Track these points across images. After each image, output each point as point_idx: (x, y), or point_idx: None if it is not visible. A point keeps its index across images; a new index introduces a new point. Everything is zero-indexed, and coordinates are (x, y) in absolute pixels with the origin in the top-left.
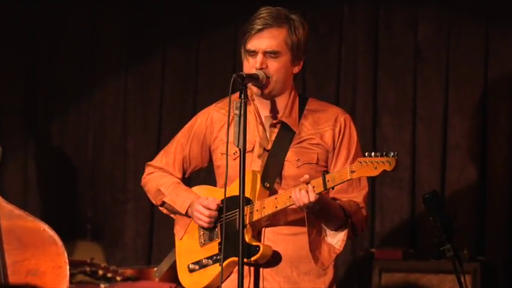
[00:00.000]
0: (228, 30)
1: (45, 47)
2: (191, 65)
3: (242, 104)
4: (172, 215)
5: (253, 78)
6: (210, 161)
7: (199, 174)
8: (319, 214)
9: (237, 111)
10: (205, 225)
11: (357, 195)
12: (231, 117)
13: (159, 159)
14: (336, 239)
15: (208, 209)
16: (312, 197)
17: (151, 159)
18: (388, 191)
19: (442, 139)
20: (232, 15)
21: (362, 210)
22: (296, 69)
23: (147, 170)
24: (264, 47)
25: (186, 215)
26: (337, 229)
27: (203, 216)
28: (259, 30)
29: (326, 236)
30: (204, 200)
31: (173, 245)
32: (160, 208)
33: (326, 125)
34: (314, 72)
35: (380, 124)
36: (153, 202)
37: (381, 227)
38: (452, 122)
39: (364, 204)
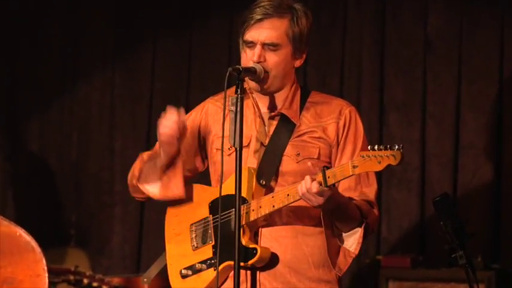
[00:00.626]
0: (224, 20)
1: (25, 38)
2: (183, 58)
3: (238, 100)
4: (148, 193)
5: (250, 72)
6: (206, 159)
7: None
8: (335, 214)
9: (233, 108)
10: (166, 131)
11: (367, 193)
12: (226, 113)
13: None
14: (350, 242)
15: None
16: (314, 188)
17: None
18: (395, 193)
19: (454, 137)
20: (227, 4)
21: (374, 210)
22: (298, 63)
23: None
24: (263, 39)
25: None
26: (351, 230)
27: (163, 125)
28: (259, 20)
29: (340, 241)
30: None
31: (163, 250)
32: (140, 186)
33: (329, 118)
34: (316, 65)
35: (387, 122)
36: (132, 184)
37: (387, 233)
38: (465, 119)
39: (375, 203)
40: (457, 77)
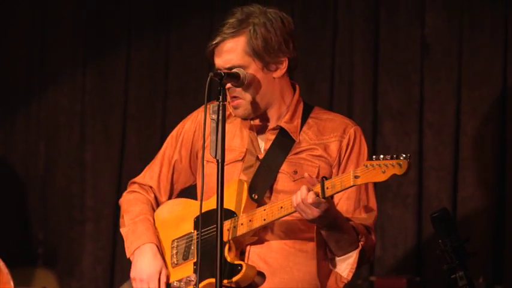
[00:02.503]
0: (204, 21)
1: None
2: (160, 62)
3: (220, 108)
4: None
5: (233, 77)
6: None
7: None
8: (330, 231)
9: (214, 116)
10: None
11: (366, 219)
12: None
13: (143, 176)
14: (343, 266)
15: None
16: (310, 199)
17: (113, 172)
18: (390, 209)
19: (454, 148)
20: (208, 3)
21: (371, 236)
22: (277, 73)
23: (131, 187)
24: (223, 64)
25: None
26: (345, 254)
27: None
28: (216, 44)
29: (333, 265)
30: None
31: None
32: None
33: (332, 136)
34: (304, 70)
35: (381, 131)
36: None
37: (382, 252)
38: (466, 129)
39: (373, 230)
40: (457, 82)
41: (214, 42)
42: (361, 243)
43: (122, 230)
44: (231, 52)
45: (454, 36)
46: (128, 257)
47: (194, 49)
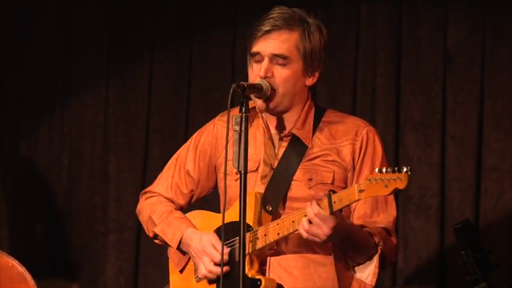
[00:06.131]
0: (227, 33)
1: (11, 51)
2: (183, 73)
3: (243, 119)
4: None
5: (255, 88)
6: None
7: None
8: (347, 244)
9: (237, 128)
10: (205, 273)
11: (384, 221)
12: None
13: (156, 184)
14: (365, 273)
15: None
16: (315, 209)
17: (136, 184)
18: (413, 220)
19: (476, 160)
20: (231, 15)
21: (391, 238)
22: (310, 81)
23: (144, 196)
24: (272, 50)
25: (179, 249)
26: (366, 261)
27: (204, 267)
28: (267, 31)
29: (354, 272)
30: (212, 249)
31: (163, 283)
32: (155, 241)
33: (344, 139)
34: (326, 82)
35: (403, 142)
36: (148, 234)
37: (404, 263)
38: (488, 140)
39: (393, 231)
40: (479, 94)
41: (266, 29)
42: (380, 247)
43: (156, 229)
44: (284, 42)
45: (477, 47)
46: (175, 247)
47: (217, 61)
